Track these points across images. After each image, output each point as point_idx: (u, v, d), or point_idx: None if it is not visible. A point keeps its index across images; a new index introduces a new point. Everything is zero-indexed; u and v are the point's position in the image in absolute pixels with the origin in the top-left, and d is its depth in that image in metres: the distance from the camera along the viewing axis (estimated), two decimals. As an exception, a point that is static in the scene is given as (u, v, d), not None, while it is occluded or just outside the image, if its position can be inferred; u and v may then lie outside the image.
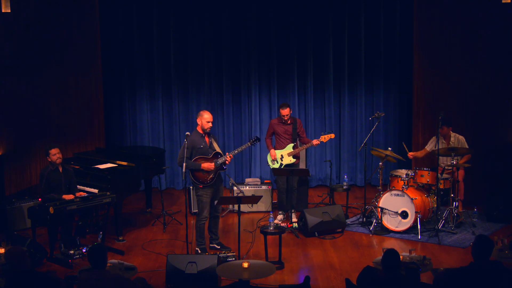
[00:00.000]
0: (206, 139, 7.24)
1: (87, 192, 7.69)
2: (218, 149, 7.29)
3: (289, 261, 7.05)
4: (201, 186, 7.15)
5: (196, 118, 7.29)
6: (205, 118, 7.17)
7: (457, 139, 8.39)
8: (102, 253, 4.81)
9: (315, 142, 8.21)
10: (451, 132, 8.43)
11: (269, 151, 8.49)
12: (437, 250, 7.32)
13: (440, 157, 8.31)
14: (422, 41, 9.37)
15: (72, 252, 7.10)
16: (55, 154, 7.35)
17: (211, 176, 7.15)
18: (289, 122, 8.38)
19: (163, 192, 9.33)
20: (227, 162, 7.22)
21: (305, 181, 9.07)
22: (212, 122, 7.24)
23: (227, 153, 7.31)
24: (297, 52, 10.43)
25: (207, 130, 7.20)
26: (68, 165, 7.68)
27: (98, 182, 7.89)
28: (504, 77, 9.08)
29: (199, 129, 7.23)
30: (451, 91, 9.28)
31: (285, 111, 8.29)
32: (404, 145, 8.70)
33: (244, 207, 8.94)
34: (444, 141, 8.41)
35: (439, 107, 9.06)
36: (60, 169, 7.45)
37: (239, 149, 7.59)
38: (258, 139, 7.55)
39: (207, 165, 7.10)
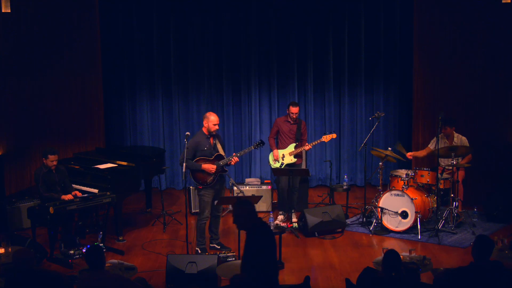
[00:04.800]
0: (211, 140, 7.21)
1: (87, 192, 7.69)
2: (221, 151, 7.26)
3: (289, 261, 7.05)
4: (200, 187, 7.14)
5: (203, 120, 7.20)
6: (212, 121, 7.09)
7: (460, 139, 8.38)
8: (99, 254, 4.80)
9: (306, 147, 8.26)
10: (454, 132, 8.42)
11: (271, 151, 8.49)
12: (437, 250, 7.32)
13: (440, 157, 8.30)
14: (422, 41, 9.38)
15: (72, 252, 7.10)
16: (52, 161, 7.37)
17: (211, 178, 7.13)
18: (294, 121, 8.40)
19: (163, 192, 9.34)
20: (232, 163, 7.20)
21: (305, 181, 9.07)
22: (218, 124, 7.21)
23: (234, 153, 7.29)
24: (297, 52, 10.43)
25: (213, 133, 7.17)
26: (60, 165, 7.67)
27: (98, 182, 7.89)
28: (504, 77, 9.08)
29: (204, 130, 7.19)
30: (451, 91, 9.28)
31: (295, 109, 8.32)
32: (400, 145, 8.45)
33: (244, 207, 8.92)
34: (447, 141, 8.39)
35: (439, 107, 9.07)
36: (53, 170, 7.46)
37: (243, 152, 7.61)
38: (262, 143, 7.50)
39: (208, 166, 7.08)
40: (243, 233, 7.48)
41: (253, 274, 4.77)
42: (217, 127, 7.14)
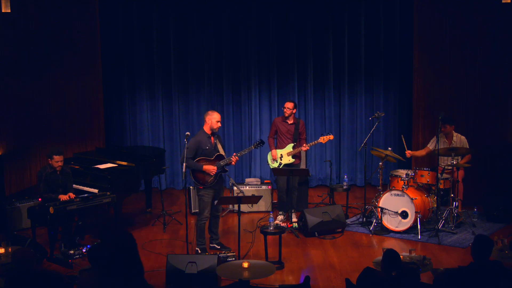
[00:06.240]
0: (212, 140, 7.21)
1: (87, 192, 7.69)
2: (221, 151, 7.25)
3: (289, 261, 7.05)
4: (201, 187, 7.14)
5: (204, 118, 7.19)
6: (215, 118, 7.10)
7: (459, 139, 8.38)
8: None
9: (304, 148, 8.29)
10: (453, 131, 8.42)
11: (270, 150, 8.50)
12: (437, 250, 7.32)
13: (440, 157, 8.31)
14: (422, 41, 9.37)
15: (72, 252, 7.09)
16: (58, 161, 7.36)
17: (211, 178, 7.13)
18: (292, 121, 8.39)
19: (163, 192, 9.33)
20: (232, 163, 7.20)
21: (305, 181, 9.07)
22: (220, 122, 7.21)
23: (234, 153, 7.28)
24: (297, 52, 10.43)
25: (216, 130, 7.16)
26: (65, 166, 7.67)
27: (98, 182, 7.89)
28: (504, 77, 9.08)
29: (206, 128, 7.16)
30: (451, 91, 9.28)
31: (288, 104, 8.35)
32: (403, 139, 8.52)
33: (244, 207, 8.94)
34: (446, 140, 8.40)
35: (439, 107, 9.07)
36: (58, 171, 7.45)
37: (243, 152, 7.61)
38: (262, 142, 7.49)
39: (209, 168, 7.07)
40: (243, 233, 7.51)
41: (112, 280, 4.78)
42: (220, 124, 7.16)
